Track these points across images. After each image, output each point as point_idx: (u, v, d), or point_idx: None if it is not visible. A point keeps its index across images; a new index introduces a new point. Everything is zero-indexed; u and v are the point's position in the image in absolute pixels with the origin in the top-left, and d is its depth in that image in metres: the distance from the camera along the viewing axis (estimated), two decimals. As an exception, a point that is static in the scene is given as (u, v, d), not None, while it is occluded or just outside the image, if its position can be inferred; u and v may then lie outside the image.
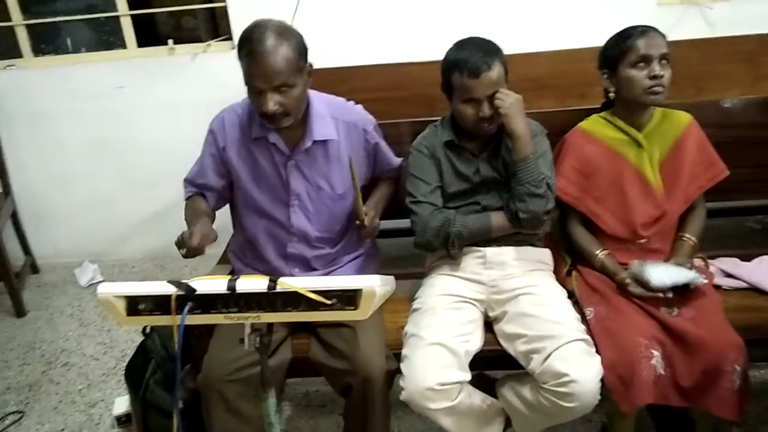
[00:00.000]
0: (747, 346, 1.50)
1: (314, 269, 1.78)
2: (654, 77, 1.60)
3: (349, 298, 1.09)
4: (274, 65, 1.46)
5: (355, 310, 1.09)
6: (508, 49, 2.59)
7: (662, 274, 1.54)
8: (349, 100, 1.82)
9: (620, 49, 1.65)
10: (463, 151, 1.70)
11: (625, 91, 1.66)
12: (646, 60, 1.61)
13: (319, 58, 1.68)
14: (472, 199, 1.71)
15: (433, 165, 1.70)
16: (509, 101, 1.58)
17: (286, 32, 1.51)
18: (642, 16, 2.67)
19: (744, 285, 1.77)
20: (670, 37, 2.56)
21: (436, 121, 1.79)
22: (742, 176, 1.98)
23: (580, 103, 2.59)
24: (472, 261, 1.70)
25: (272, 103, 1.49)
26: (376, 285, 1.07)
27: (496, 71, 1.57)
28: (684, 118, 1.74)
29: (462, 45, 1.64)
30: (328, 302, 1.08)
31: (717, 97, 2.39)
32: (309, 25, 2.05)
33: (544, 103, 2.63)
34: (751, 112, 2.06)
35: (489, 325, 1.68)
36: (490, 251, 1.69)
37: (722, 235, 2.69)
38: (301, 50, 1.54)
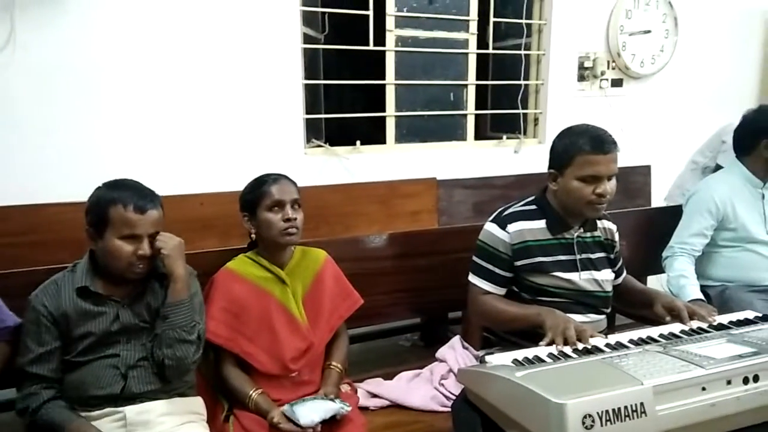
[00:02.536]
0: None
1: None
2: (287, 220, 1.73)
3: None
4: None
5: None
6: (171, 190, 2.58)
7: (310, 412, 1.58)
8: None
9: (256, 194, 1.77)
10: (100, 297, 1.56)
11: (263, 232, 1.76)
12: (280, 204, 1.74)
13: None
14: (112, 350, 1.55)
15: (50, 322, 1.51)
16: (172, 243, 1.58)
17: None
18: (291, 162, 2.99)
19: (387, 403, 1.93)
20: (316, 182, 2.94)
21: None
22: (381, 302, 2.25)
23: (244, 242, 2.69)
24: (110, 425, 1.50)
25: None
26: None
27: (158, 212, 1.57)
28: (320, 254, 1.90)
29: (119, 184, 1.58)
30: None
31: (362, 233, 2.74)
32: None
33: (208, 243, 2.64)
34: (386, 246, 2.34)
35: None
36: (132, 410, 1.52)
37: (377, 356, 2.99)
38: None
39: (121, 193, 1.53)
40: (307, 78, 3.14)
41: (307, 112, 3.16)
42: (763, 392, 1.29)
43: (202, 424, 1.63)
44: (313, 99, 3.33)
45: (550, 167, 1.79)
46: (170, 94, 2.82)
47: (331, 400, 1.64)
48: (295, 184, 1.82)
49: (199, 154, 2.92)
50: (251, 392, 1.67)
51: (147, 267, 1.57)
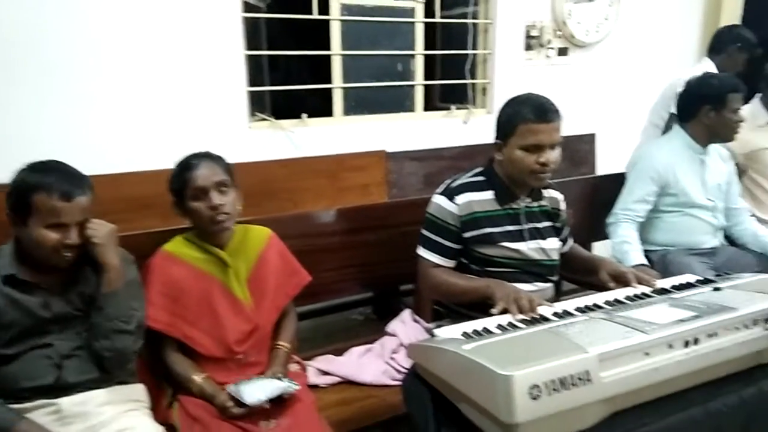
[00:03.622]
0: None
1: None
2: (213, 208, 1.64)
3: None
4: None
5: None
6: (108, 168, 2.44)
7: (255, 390, 1.54)
8: None
9: (179, 184, 1.67)
10: (29, 285, 1.47)
11: (194, 221, 1.69)
12: (203, 191, 1.64)
13: None
14: (44, 340, 1.47)
15: None
16: (103, 231, 1.49)
17: None
18: (235, 137, 2.89)
19: (338, 379, 1.91)
20: (262, 157, 2.85)
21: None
22: (329, 278, 2.21)
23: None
24: (44, 418, 1.42)
25: None
26: None
27: (87, 197, 1.46)
28: (264, 232, 1.84)
29: (43, 167, 1.46)
30: None
31: (310, 209, 2.67)
32: None
33: (149, 223, 2.53)
34: (334, 221, 2.28)
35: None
36: (67, 401, 1.45)
37: (328, 332, 2.96)
38: None
39: (46, 178, 1.42)
40: (249, 49, 3.02)
41: (251, 85, 3.05)
42: (703, 355, 1.31)
43: (145, 411, 1.57)
44: (257, 71, 3.21)
45: (495, 138, 1.77)
46: (104, 68, 2.66)
47: (278, 379, 1.61)
48: (220, 162, 1.70)
49: (138, 130, 2.78)
50: (195, 377, 1.61)
51: (75, 255, 1.48)
